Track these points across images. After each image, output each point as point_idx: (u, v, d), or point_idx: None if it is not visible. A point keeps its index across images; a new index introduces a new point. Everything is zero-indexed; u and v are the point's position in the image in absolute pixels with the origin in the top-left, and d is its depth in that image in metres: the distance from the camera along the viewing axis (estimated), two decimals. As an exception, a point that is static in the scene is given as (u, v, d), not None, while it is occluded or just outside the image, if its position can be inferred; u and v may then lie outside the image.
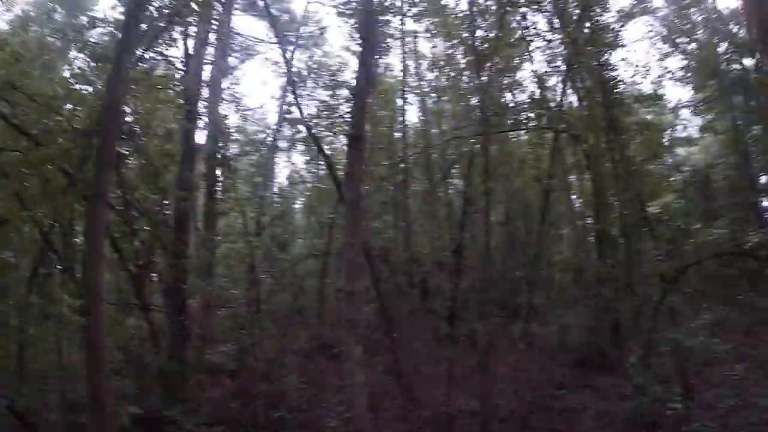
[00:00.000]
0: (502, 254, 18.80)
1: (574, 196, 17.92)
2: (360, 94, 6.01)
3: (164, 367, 9.82)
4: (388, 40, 12.30)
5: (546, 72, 13.97)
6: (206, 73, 12.66)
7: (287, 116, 11.43)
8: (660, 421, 8.56)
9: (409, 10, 12.89)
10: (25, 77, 7.72)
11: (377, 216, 14.04)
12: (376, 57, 7.31)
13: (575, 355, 13.60)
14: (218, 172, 13.03)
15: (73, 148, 7.37)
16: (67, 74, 11.63)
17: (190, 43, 12.08)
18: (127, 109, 8.30)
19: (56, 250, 7.74)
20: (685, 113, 21.40)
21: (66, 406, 7.75)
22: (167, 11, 8.61)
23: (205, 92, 12.36)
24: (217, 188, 13.25)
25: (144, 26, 7.33)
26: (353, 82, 15.77)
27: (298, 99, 10.47)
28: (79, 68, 9.28)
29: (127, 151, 8.98)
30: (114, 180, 8.62)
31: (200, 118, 11.37)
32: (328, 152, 12.81)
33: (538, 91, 13.82)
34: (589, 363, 13.14)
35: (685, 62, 18.99)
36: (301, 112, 9.36)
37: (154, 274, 10.49)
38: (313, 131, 12.18)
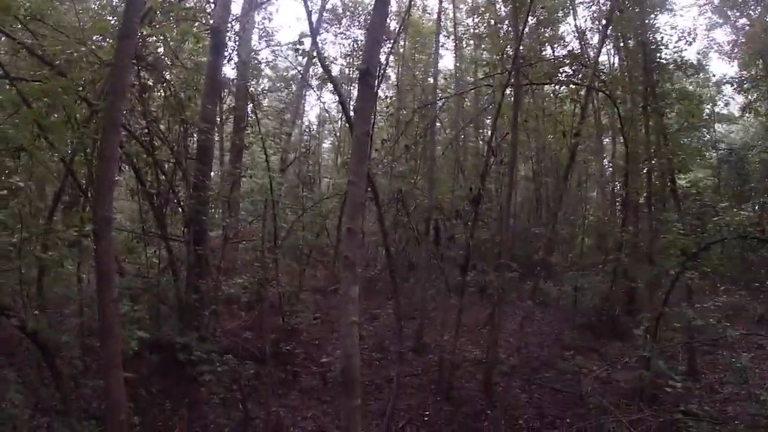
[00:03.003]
0: (526, 210, 18.64)
1: (605, 160, 17.46)
2: (373, 27, 5.62)
3: (181, 296, 10.09)
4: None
5: (588, 29, 13.40)
6: (237, 6, 12.40)
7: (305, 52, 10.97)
8: (659, 395, 8.59)
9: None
10: (49, 8, 7.62)
11: (400, 159, 13.91)
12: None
13: (586, 318, 13.65)
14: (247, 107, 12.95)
15: (99, 80, 7.38)
16: (94, 6, 11.49)
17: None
18: (152, 40, 8.23)
19: (76, 179, 7.87)
20: (727, 89, 20.13)
21: (82, 329, 8.12)
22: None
23: (236, 27, 12.14)
24: (244, 123, 13.22)
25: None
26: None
27: (316, 35, 10.12)
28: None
29: (152, 82, 8.93)
30: (136, 110, 8.68)
31: (230, 52, 11.18)
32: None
33: (578, 47, 13.25)
34: (599, 328, 13.20)
35: (734, 37, 17.82)
36: (317, 49, 9.07)
37: (176, 205, 10.57)
38: (329, 67, 11.81)
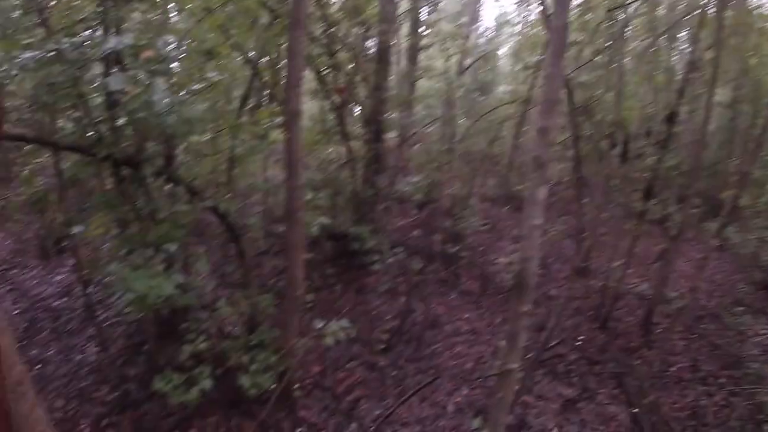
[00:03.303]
0: (719, 141, 16.30)
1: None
2: None
3: (357, 190, 10.90)
4: None
5: None
6: None
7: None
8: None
9: None
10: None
11: (585, 68, 12.79)
12: None
13: (766, 275, 11.96)
14: (423, 9, 12.82)
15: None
16: None
17: None
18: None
19: (262, 80, 8.68)
20: None
21: (265, 216, 9.23)
22: None
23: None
24: (421, 24, 13.18)
25: None
26: None
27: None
28: None
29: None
30: (315, 15, 9.14)
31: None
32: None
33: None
34: (777, 288, 11.54)
35: None
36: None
37: (356, 105, 11.13)
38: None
